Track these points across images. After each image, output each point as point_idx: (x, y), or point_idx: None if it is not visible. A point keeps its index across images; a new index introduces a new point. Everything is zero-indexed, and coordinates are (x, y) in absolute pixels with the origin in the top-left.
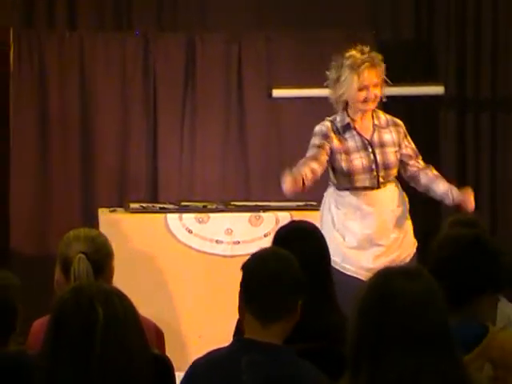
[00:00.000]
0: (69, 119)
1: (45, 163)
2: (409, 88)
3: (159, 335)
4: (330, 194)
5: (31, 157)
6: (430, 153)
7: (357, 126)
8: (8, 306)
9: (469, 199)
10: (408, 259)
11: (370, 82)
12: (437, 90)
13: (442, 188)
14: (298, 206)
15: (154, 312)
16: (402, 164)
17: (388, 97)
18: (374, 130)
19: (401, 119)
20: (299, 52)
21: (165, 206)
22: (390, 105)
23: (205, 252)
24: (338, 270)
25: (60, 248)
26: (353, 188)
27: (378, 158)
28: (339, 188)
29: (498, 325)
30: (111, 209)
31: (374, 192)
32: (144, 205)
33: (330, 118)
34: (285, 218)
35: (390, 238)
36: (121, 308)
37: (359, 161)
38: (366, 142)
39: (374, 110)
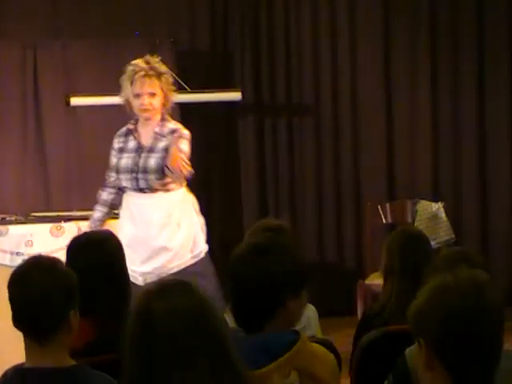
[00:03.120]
0: None
1: None
2: (208, 95)
3: None
4: None
5: None
6: (231, 155)
7: (140, 131)
8: None
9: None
10: (182, 268)
11: (144, 90)
12: (234, 96)
13: None
14: None
15: None
16: None
17: (188, 103)
18: (153, 138)
19: (202, 124)
20: (97, 60)
21: None
22: (191, 111)
23: (5, 265)
24: None
25: None
26: (123, 187)
27: (141, 161)
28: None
29: (298, 326)
30: None
31: (142, 195)
32: None
33: (132, 121)
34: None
35: (156, 245)
36: None
37: (126, 160)
38: (138, 146)
39: (163, 119)
